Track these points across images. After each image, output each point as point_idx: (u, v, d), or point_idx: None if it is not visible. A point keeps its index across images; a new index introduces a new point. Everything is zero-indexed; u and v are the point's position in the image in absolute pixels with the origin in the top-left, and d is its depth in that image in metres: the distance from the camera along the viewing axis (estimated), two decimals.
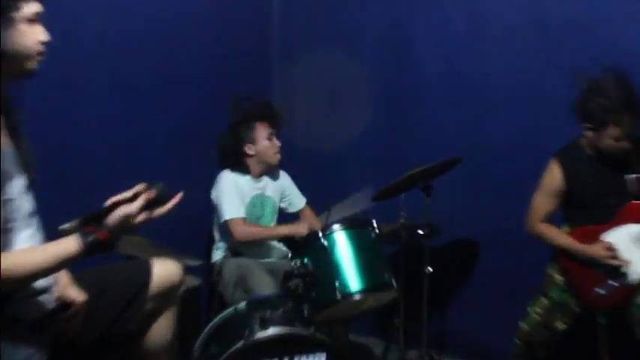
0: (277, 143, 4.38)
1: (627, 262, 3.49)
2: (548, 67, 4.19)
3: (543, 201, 3.70)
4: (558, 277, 3.75)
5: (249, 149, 4.33)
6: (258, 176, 4.42)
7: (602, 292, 3.53)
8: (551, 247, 3.77)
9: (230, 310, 3.38)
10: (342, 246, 3.52)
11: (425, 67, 4.70)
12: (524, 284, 4.06)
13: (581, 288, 3.64)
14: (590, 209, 3.60)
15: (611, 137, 3.42)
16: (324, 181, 4.84)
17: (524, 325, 3.85)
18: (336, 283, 3.39)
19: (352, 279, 3.46)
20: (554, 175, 3.65)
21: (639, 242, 3.49)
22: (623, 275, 3.49)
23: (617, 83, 3.32)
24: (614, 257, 3.52)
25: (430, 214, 4.00)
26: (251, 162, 4.38)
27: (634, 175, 3.49)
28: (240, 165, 4.34)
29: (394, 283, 3.52)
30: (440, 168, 3.94)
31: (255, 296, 3.78)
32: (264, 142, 4.36)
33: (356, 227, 3.59)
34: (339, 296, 3.37)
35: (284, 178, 4.58)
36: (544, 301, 3.80)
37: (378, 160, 4.96)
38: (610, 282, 3.51)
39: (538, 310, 3.80)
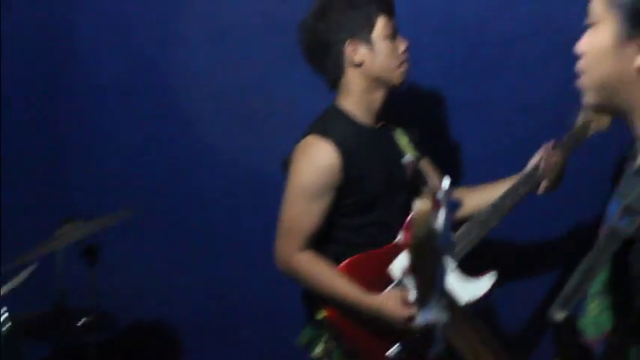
0: None
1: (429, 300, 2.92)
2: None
3: (309, 209, 2.72)
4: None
5: None
6: None
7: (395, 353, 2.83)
8: (314, 292, 2.83)
9: None
10: None
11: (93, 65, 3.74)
12: None
13: (364, 353, 2.92)
14: (378, 211, 2.81)
15: (384, 38, 2.75)
16: None
17: None
18: None
19: None
20: (326, 161, 2.71)
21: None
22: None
23: None
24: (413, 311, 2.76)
25: (98, 293, 3.20)
26: None
27: (411, 158, 2.88)
28: None
29: None
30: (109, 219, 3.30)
31: None
32: None
33: None
34: None
35: None
36: None
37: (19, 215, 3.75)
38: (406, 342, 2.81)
39: None
